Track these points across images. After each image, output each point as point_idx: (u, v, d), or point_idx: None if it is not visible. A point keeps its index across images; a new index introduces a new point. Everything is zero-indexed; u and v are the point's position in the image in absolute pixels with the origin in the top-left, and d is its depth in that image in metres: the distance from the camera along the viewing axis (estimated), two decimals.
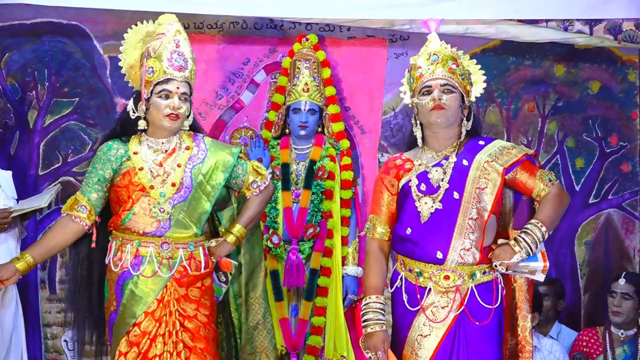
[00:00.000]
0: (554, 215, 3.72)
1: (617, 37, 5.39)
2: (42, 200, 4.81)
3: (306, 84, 5.17)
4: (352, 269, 5.11)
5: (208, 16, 5.44)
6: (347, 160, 5.23)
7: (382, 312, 3.75)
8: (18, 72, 5.55)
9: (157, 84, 3.83)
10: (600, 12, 5.31)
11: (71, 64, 5.59)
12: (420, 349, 3.66)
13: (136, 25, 4.04)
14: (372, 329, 3.72)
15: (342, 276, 5.12)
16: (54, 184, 5.23)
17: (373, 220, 3.83)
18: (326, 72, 5.31)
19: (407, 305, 3.70)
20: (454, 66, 3.73)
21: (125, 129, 3.97)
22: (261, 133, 5.37)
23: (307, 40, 5.35)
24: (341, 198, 5.17)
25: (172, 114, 3.83)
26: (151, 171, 3.87)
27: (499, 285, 3.73)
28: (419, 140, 3.80)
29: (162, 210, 3.85)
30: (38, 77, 5.57)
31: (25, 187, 5.37)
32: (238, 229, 4.03)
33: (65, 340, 5.57)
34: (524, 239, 3.65)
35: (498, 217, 3.80)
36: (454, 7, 5.25)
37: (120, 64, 4.00)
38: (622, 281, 5.26)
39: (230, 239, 4.02)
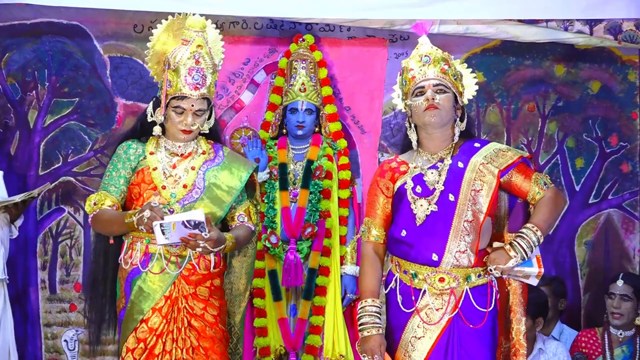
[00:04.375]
0: (549, 219, 3.71)
1: (617, 37, 5.38)
2: (17, 196, 4.86)
3: (303, 84, 5.18)
4: (351, 268, 5.12)
5: (208, 16, 5.39)
6: (344, 160, 5.24)
7: (378, 315, 3.74)
8: (18, 72, 5.56)
9: (173, 98, 3.91)
10: (600, 12, 5.30)
11: (71, 64, 5.60)
12: (413, 350, 3.65)
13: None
14: (368, 332, 3.71)
15: (341, 275, 5.13)
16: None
17: (368, 223, 3.83)
18: (323, 72, 5.32)
19: (401, 306, 3.69)
20: (445, 67, 3.73)
21: (145, 129, 4.05)
22: (259, 133, 5.38)
23: (303, 40, 5.36)
24: (339, 197, 5.19)
25: (184, 129, 3.93)
26: (164, 172, 3.95)
27: (494, 289, 3.72)
28: (414, 143, 3.79)
29: (171, 210, 3.90)
30: (38, 77, 5.57)
31: (25, 187, 5.38)
32: (230, 237, 3.96)
33: (65, 340, 5.58)
34: (519, 244, 3.64)
35: (493, 220, 3.79)
36: (454, 7, 5.25)
37: (147, 52, 4.05)
38: (620, 282, 5.24)
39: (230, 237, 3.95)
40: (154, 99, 4.03)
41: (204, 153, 4.01)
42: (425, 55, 3.75)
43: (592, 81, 5.85)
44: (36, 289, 5.58)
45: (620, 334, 5.27)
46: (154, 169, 3.94)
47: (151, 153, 3.98)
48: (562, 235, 5.81)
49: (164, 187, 3.91)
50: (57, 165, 5.60)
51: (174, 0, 5.18)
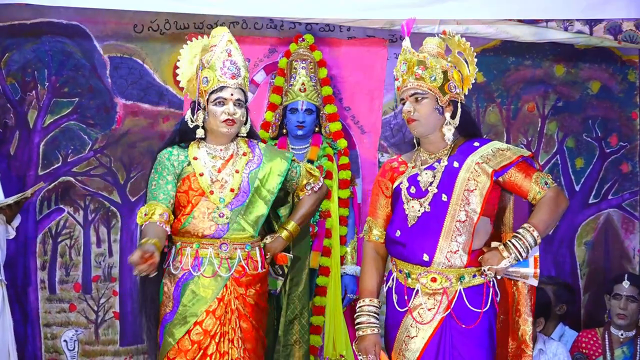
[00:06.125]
0: (548, 219, 3.65)
1: (617, 37, 5.37)
2: (9, 198, 4.84)
3: (303, 84, 5.18)
4: (351, 268, 5.13)
5: (208, 16, 5.45)
6: (344, 160, 5.24)
7: (376, 315, 3.75)
8: (18, 72, 5.57)
9: (212, 92, 3.95)
10: (600, 12, 5.30)
11: (71, 64, 5.61)
12: (407, 350, 3.65)
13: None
14: (363, 332, 3.74)
15: (341, 275, 5.13)
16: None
17: (369, 222, 3.85)
18: (323, 72, 5.33)
19: (396, 305, 3.70)
20: (420, 71, 3.69)
21: (183, 139, 4.08)
22: (259, 133, 5.37)
23: (303, 40, 5.37)
24: (339, 197, 5.18)
25: (228, 119, 3.95)
26: (210, 177, 3.97)
27: (491, 289, 3.69)
28: (415, 143, 3.82)
29: (221, 215, 3.95)
30: (38, 77, 5.58)
31: (25, 188, 5.36)
32: (292, 225, 4.14)
33: (65, 341, 5.58)
34: (513, 245, 3.61)
35: (493, 220, 3.76)
36: (454, 7, 5.25)
37: (178, 78, 4.09)
38: (626, 284, 5.22)
39: (284, 234, 4.12)
40: (192, 103, 4.04)
41: (244, 155, 4.04)
42: (403, 63, 3.75)
43: (592, 81, 5.85)
44: (36, 289, 5.59)
45: (622, 335, 5.26)
46: (201, 175, 3.97)
47: (195, 158, 4.00)
48: (562, 235, 5.81)
49: (212, 192, 3.95)
50: (56, 165, 5.60)
51: (174, 0, 5.19)
